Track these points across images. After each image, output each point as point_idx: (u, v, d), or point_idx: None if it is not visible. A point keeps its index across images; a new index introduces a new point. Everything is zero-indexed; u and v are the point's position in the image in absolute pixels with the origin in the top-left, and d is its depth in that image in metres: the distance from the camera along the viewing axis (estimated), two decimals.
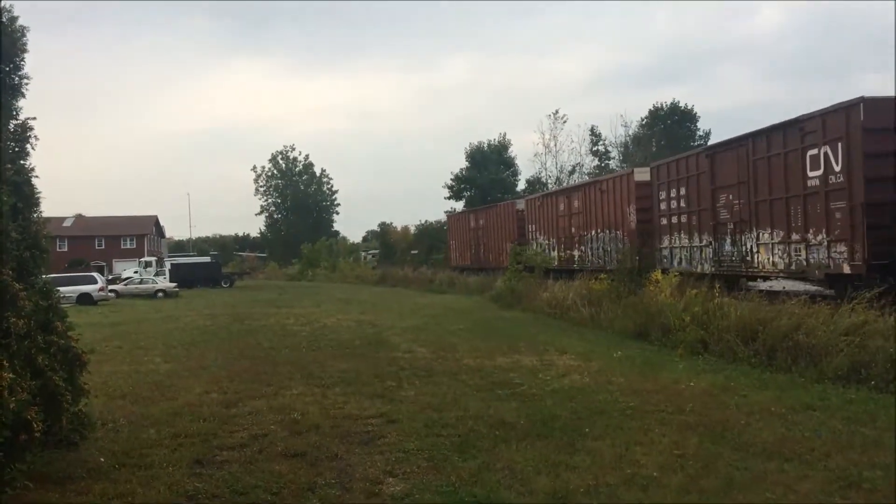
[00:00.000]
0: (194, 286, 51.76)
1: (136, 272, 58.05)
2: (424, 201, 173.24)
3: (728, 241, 19.80)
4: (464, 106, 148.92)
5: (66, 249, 75.87)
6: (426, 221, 69.46)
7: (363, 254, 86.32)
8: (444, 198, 63.88)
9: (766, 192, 17.91)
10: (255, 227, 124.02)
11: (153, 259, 69.20)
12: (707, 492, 6.06)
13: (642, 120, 65.07)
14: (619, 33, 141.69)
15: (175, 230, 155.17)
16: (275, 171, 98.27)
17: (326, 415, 9.18)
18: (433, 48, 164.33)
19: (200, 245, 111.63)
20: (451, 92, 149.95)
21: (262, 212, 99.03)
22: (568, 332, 17.95)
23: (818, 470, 6.50)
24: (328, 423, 8.70)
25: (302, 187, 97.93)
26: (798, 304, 13.44)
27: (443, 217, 64.45)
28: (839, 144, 15.27)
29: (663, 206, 23.51)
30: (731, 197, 19.62)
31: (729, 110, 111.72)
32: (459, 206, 61.30)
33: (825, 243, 15.75)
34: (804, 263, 16.55)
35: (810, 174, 16.25)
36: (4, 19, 7.14)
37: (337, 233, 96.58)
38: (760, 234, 18.34)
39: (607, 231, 27.32)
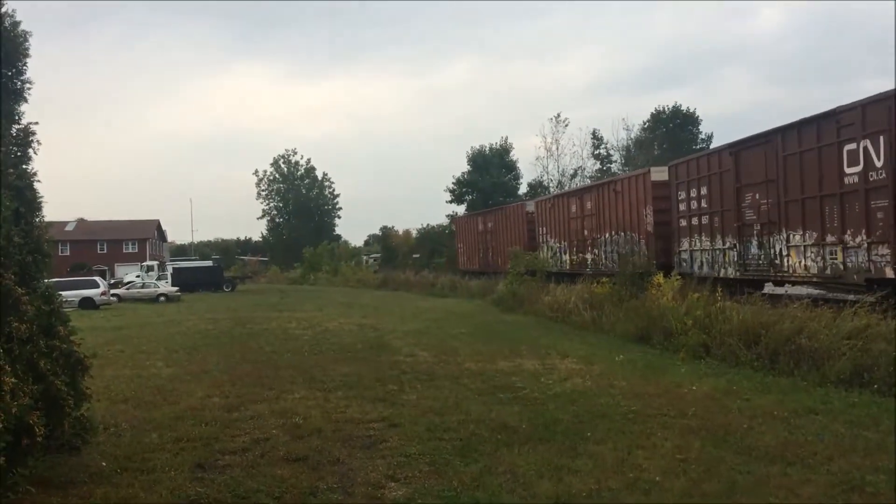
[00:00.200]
0: (196, 290, 51.75)
1: (138, 276, 58.07)
2: (426, 205, 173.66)
3: (754, 243, 18.69)
4: (465, 109, 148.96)
5: (68, 253, 76.03)
6: (428, 225, 69.55)
7: (365, 257, 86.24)
8: (446, 201, 63.91)
9: (798, 190, 16.77)
10: (256, 230, 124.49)
11: (155, 263, 69.22)
12: (709, 496, 6.06)
13: (644, 123, 65.15)
14: (621, 36, 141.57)
15: (177, 234, 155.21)
16: (276, 175, 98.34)
17: (328, 419, 9.18)
18: (434, 51, 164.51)
19: (202, 249, 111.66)
20: (452, 95, 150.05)
21: (263, 216, 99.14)
22: (570, 335, 17.94)
23: (821, 474, 6.49)
24: (330, 427, 8.70)
25: (304, 191, 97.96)
26: (800, 307, 13.43)
27: (445, 221, 64.57)
28: (881, 138, 14.10)
29: (682, 206, 22.44)
30: (757, 196, 18.53)
31: (730, 113, 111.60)
32: (461, 209, 61.30)
33: (865, 245, 14.62)
34: (840, 267, 15.38)
35: (848, 171, 15.05)
36: (6, 24, 7.16)
37: (339, 236, 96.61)
38: (791, 236, 17.15)
39: (622, 233, 26.16)
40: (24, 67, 7.37)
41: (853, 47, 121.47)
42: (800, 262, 16.85)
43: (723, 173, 20.16)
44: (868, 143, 14.52)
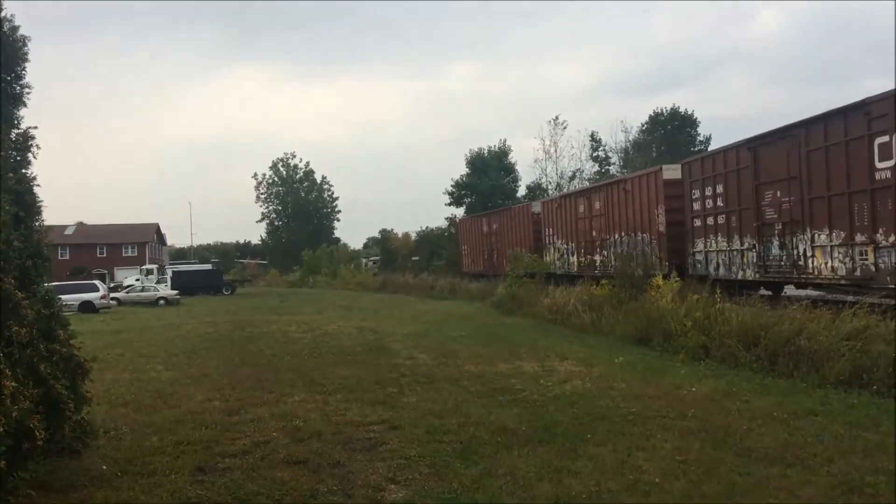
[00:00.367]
0: (196, 294, 51.76)
1: (137, 280, 58.14)
2: (425, 208, 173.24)
3: (775, 243, 17.79)
4: (464, 112, 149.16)
5: (67, 257, 76.17)
6: (427, 228, 69.49)
7: (364, 260, 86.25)
8: (445, 204, 63.90)
9: (823, 187, 15.90)
10: (256, 234, 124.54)
11: (154, 267, 69.28)
12: (709, 497, 6.07)
13: (642, 125, 65.22)
14: (619, 39, 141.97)
15: (176, 238, 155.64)
16: (275, 179, 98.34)
17: (328, 421, 9.18)
18: (433, 55, 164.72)
19: (201, 252, 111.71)
20: (451, 98, 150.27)
21: (262, 219, 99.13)
22: (569, 337, 17.94)
23: (820, 475, 6.50)
24: (330, 430, 8.71)
25: (303, 194, 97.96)
26: (799, 308, 13.44)
27: (444, 223, 64.53)
28: None
29: (697, 205, 21.54)
30: (778, 194, 17.63)
31: (729, 115, 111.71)
32: (460, 212, 61.27)
33: None
34: (872, 269, 14.56)
35: (879, 165, 14.24)
36: (5, 29, 7.17)
37: (338, 239, 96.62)
38: (816, 236, 16.25)
39: (632, 234, 25.35)
40: (23, 72, 7.38)
41: (852, 48, 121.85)
42: (826, 264, 15.97)
43: (740, 170, 19.30)
44: None
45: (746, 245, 19.11)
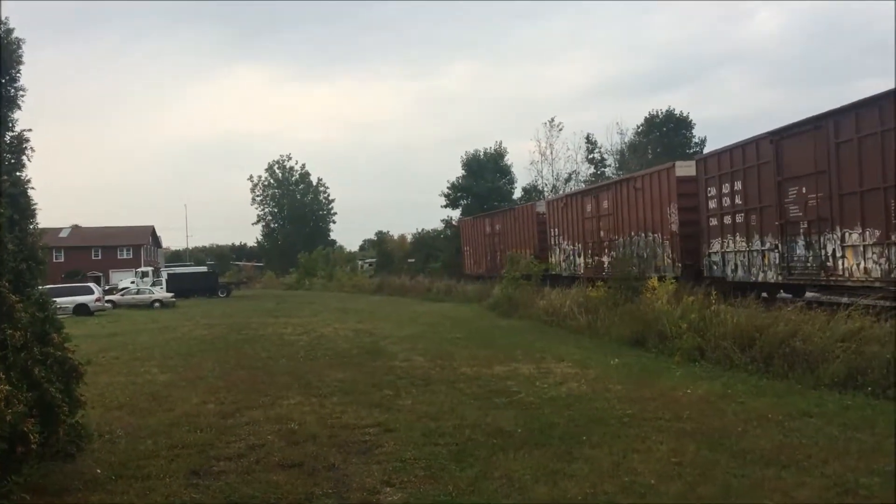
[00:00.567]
0: (191, 296, 51.66)
1: (132, 282, 57.95)
2: (421, 210, 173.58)
3: (800, 243, 16.62)
4: (460, 114, 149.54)
5: (62, 260, 75.87)
6: (423, 230, 69.46)
7: (360, 262, 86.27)
8: (441, 206, 63.79)
9: (855, 181, 14.78)
10: (251, 236, 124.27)
11: (150, 269, 69.12)
12: (705, 499, 6.07)
13: (638, 127, 65.33)
14: (616, 40, 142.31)
15: (172, 240, 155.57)
16: (271, 181, 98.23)
17: (324, 424, 9.17)
18: (430, 56, 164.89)
19: (197, 255, 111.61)
20: (447, 100, 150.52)
21: (258, 221, 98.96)
22: (565, 339, 17.95)
23: (815, 476, 6.51)
24: (325, 433, 8.70)
25: (298, 196, 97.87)
26: (794, 310, 13.46)
27: (440, 225, 64.49)
28: None
29: (713, 203, 20.42)
30: (804, 190, 16.45)
31: (726, 117, 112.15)
32: (456, 214, 61.26)
33: None
34: None
35: None
36: (1, 31, 7.16)
37: (334, 242, 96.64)
38: (847, 235, 15.13)
39: (642, 234, 24.25)
40: (18, 75, 7.37)
41: (851, 49, 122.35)
42: (858, 265, 14.84)
43: (761, 165, 18.13)
44: None
45: (768, 245, 18.01)
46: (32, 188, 7.46)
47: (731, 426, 8.46)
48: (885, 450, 7.24)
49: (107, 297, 43.53)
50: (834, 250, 15.60)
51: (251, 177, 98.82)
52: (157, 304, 43.50)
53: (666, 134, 63.78)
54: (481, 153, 62.85)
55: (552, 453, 7.52)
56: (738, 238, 19.34)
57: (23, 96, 7.42)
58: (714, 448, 7.56)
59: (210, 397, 11.34)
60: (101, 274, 76.45)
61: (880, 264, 14.32)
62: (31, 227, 7.41)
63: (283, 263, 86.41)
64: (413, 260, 65.73)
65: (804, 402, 9.55)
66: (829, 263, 15.76)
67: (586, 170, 61.93)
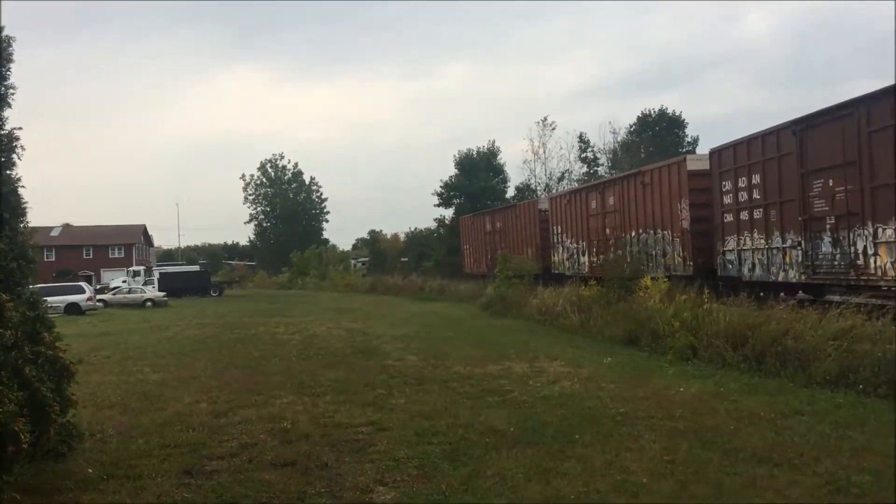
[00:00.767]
0: (183, 295, 51.52)
1: (124, 281, 57.83)
2: (414, 209, 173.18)
3: (826, 240, 15.46)
4: (456, 114, 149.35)
5: (53, 259, 75.54)
6: (416, 229, 69.43)
7: (353, 262, 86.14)
8: (434, 205, 63.69)
9: (890, 172, 13.67)
10: (244, 235, 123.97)
11: (141, 268, 68.98)
12: (697, 498, 6.08)
13: (630, 126, 65.40)
14: (610, 41, 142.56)
15: (163, 239, 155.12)
16: (264, 180, 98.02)
17: (316, 423, 9.15)
18: (425, 56, 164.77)
19: (189, 254, 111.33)
20: (444, 100, 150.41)
21: (251, 220, 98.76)
22: (558, 338, 17.97)
23: (807, 475, 6.53)
24: (318, 432, 8.68)
25: (291, 195, 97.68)
26: (786, 309, 13.51)
27: (433, 224, 64.46)
28: None
29: (728, 199, 19.34)
30: (831, 183, 15.30)
31: (717, 117, 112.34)
32: (449, 213, 61.16)
33: None
34: None
35: None
36: None
37: (326, 241, 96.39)
38: (880, 231, 14.00)
39: (651, 232, 23.22)
40: (8, 73, 7.34)
41: (841, 50, 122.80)
42: (893, 262, 13.82)
43: (782, 157, 17.01)
44: None
45: (790, 242, 16.84)
46: (23, 186, 7.45)
47: (723, 424, 8.47)
48: (876, 448, 7.27)
49: (98, 297, 43.37)
50: (865, 247, 14.47)
51: (243, 175, 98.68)
52: (148, 304, 43.36)
53: (659, 133, 63.83)
54: (474, 152, 62.84)
55: (545, 452, 7.53)
56: (755, 235, 18.27)
57: (13, 94, 7.39)
58: (706, 446, 7.57)
59: (202, 396, 11.31)
60: (92, 273, 76.17)
61: None
62: (22, 225, 7.39)
63: (276, 262, 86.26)
64: (406, 259, 65.65)
65: (796, 401, 9.58)
66: (859, 262, 14.63)
67: (579, 169, 62.07)
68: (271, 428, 8.98)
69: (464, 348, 16.48)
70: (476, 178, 60.71)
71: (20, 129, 7.41)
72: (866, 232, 14.46)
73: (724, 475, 6.61)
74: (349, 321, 25.57)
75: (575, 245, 29.65)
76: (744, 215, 18.74)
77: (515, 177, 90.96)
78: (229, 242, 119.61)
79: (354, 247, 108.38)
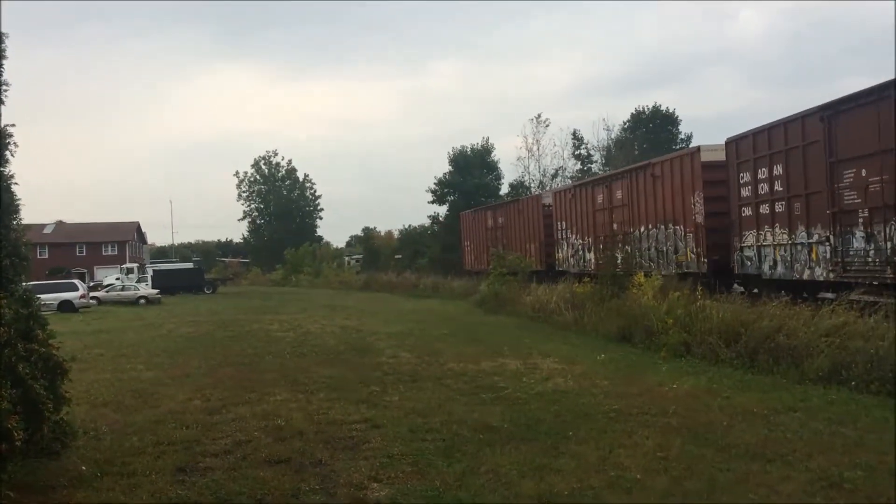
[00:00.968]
0: (177, 293, 51.35)
1: (117, 279, 57.58)
2: (408, 206, 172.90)
3: (859, 235, 14.21)
4: (447, 111, 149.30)
5: (46, 256, 75.31)
6: (410, 226, 69.43)
7: (347, 259, 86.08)
8: (428, 202, 63.67)
9: None
10: (237, 232, 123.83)
11: (135, 265, 68.67)
12: (691, 493, 6.10)
13: (624, 124, 65.52)
14: (603, 39, 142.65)
15: (157, 236, 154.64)
16: (257, 177, 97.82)
17: (311, 421, 9.16)
18: (417, 54, 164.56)
19: (183, 251, 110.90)
20: (434, 97, 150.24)
21: (244, 217, 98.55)
22: (552, 335, 17.99)
23: (800, 471, 6.56)
24: (312, 429, 8.68)
25: (285, 192, 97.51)
26: (779, 305, 13.54)
27: (426, 221, 64.44)
28: None
29: (746, 191, 18.21)
30: (864, 173, 14.06)
31: (710, 116, 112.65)
32: (443, 210, 61.18)
33: None
34: None
35: None
36: None
37: (320, 238, 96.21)
38: None
39: (661, 227, 22.31)
40: (1, 69, 7.29)
41: (833, 49, 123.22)
42: None
43: (807, 146, 15.79)
44: None
45: (816, 238, 15.64)
46: (16, 184, 7.41)
47: (716, 421, 8.50)
48: (868, 444, 7.30)
49: (92, 294, 43.24)
50: None
51: (237, 173, 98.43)
52: (142, 301, 43.23)
53: (652, 130, 63.99)
54: (468, 149, 62.82)
55: (539, 448, 7.54)
56: (777, 230, 17.09)
57: (6, 91, 7.35)
58: (700, 443, 7.60)
59: (196, 394, 11.29)
60: (85, 270, 75.88)
61: None
62: (15, 222, 7.36)
63: (270, 260, 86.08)
64: (400, 256, 65.65)
65: (789, 397, 9.62)
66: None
67: (573, 166, 62.17)
68: (265, 425, 8.98)
69: (458, 345, 16.49)
70: (470, 174, 60.67)
71: (13, 125, 7.38)
72: None
73: (718, 471, 6.64)
74: (343, 318, 25.55)
75: (580, 241, 28.67)
76: (764, 209, 17.64)
77: (509, 174, 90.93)
78: (223, 240, 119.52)
79: (348, 244, 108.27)
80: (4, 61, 7.32)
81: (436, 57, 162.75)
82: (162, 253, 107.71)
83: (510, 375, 12.16)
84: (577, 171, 61.14)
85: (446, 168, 62.51)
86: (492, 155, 63.54)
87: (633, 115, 65.56)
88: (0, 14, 7.20)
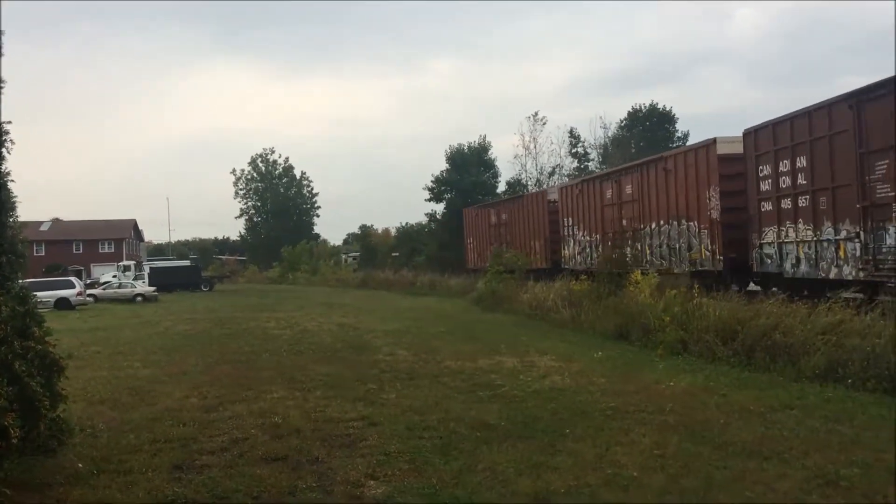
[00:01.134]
0: (174, 290, 51.27)
1: (114, 276, 57.48)
2: (405, 204, 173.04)
3: (892, 231, 13.45)
4: (444, 109, 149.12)
5: (43, 254, 75.09)
6: (407, 224, 69.42)
7: (344, 256, 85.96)
8: (425, 200, 63.61)
9: None
10: (235, 230, 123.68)
11: (132, 263, 68.57)
12: (687, 491, 6.11)
13: (621, 122, 65.56)
14: (600, 38, 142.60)
15: (154, 234, 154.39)
16: (254, 174, 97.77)
17: (307, 418, 9.15)
18: (415, 52, 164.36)
19: (180, 248, 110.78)
20: (432, 95, 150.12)
21: (241, 215, 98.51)
22: (549, 333, 18.00)
23: (797, 468, 6.56)
24: (309, 427, 8.67)
25: (282, 190, 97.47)
26: (776, 303, 13.56)
27: (423, 219, 64.43)
28: None
29: (766, 185, 17.30)
30: None
31: (707, 114, 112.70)
32: (440, 208, 61.15)
33: None
34: None
35: None
36: None
37: (317, 235, 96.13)
38: None
39: (674, 223, 21.57)
40: None
41: (828, 48, 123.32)
42: None
43: (834, 136, 14.91)
44: None
45: (844, 234, 14.76)
46: (12, 181, 7.38)
47: (713, 419, 8.51)
48: (865, 441, 7.32)
49: (88, 292, 43.15)
50: None
51: (234, 170, 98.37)
52: (139, 299, 43.18)
53: (649, 128, 64.05)
54: (465, 147, 62.79)
55: (536, 446, 7.54)
56: (800, 225, 16.19)
57: (3, 88, 7.32)
58: (696, 440, 7.61)
59: (193, 392, 11.28)
60: (82, 268, 75.75)
61: None
62: (11, 220, 7.33)
63: (267, 257, 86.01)
64: (397, 254, 65.64)
65: (785, 395, 9.63)
66: None
67: (570, 164, 62.18)
68: (262, 423, 8.97)
69: (455, 343, 16.50)
70: (467, 172, 60.63)
71: (9, 122, 7.35)
72: None
73: (715, 469, 6.65)
74: (340, 316, 25.55)
75: (588, 238, 27.88)
76: (786, 203, 16.71)
77: (506, 172, 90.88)
78: (220, 237, 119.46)
79: (345, 242, 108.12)
80: (2, 59, 7.30)
81: (434, 56, 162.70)
82: (159, 250, 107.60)
83: (507, 373, 12.16)
84: (573, 168, 61.19)
85: (444, 166, 62.49)
86: (489, 153, 63.51)
87: (629, 113, 65.66)
88: None
